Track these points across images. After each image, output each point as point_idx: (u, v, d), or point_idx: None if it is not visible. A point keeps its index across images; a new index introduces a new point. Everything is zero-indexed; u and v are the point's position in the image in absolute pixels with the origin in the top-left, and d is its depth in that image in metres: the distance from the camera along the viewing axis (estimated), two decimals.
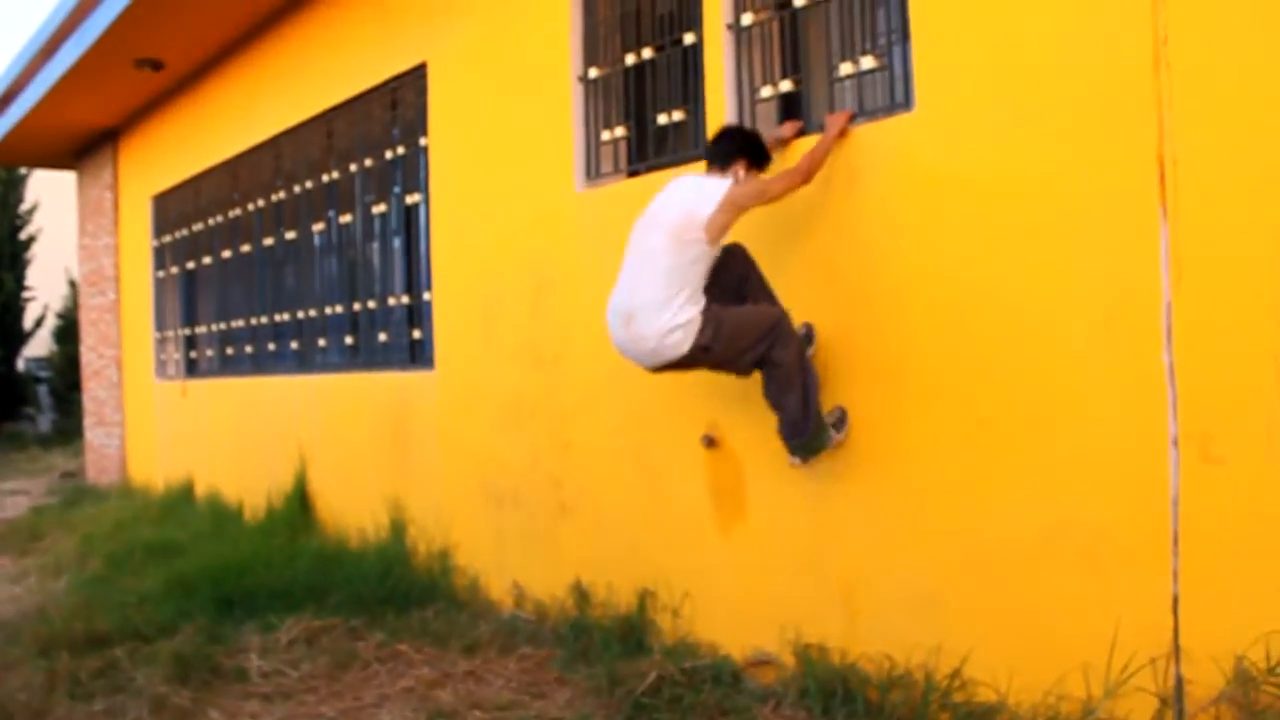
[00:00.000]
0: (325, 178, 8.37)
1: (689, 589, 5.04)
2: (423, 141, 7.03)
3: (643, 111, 5.41)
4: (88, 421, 13.96)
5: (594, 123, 5.64)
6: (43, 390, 22.35)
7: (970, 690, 3.87)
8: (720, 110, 4.86)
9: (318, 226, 8.57)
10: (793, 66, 4.82)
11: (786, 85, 4.75)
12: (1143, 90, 3.41)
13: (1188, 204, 3.33)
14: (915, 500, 4.10)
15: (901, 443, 4.15)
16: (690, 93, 5.11)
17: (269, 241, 9.40)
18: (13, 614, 6.91)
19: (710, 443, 4.87)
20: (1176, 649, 3.36)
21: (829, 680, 4.25)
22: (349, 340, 8.12)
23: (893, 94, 4.31)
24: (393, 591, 6.32)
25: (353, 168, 7.97)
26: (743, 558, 4.78)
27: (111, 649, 5.66)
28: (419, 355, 7.19)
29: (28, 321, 21.55)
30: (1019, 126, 3.76)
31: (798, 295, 4.45)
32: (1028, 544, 3.73)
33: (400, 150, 7.37)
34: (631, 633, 5.19)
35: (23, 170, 21.04)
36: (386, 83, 7.38)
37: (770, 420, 4.54)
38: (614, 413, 5.42)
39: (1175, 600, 3.36)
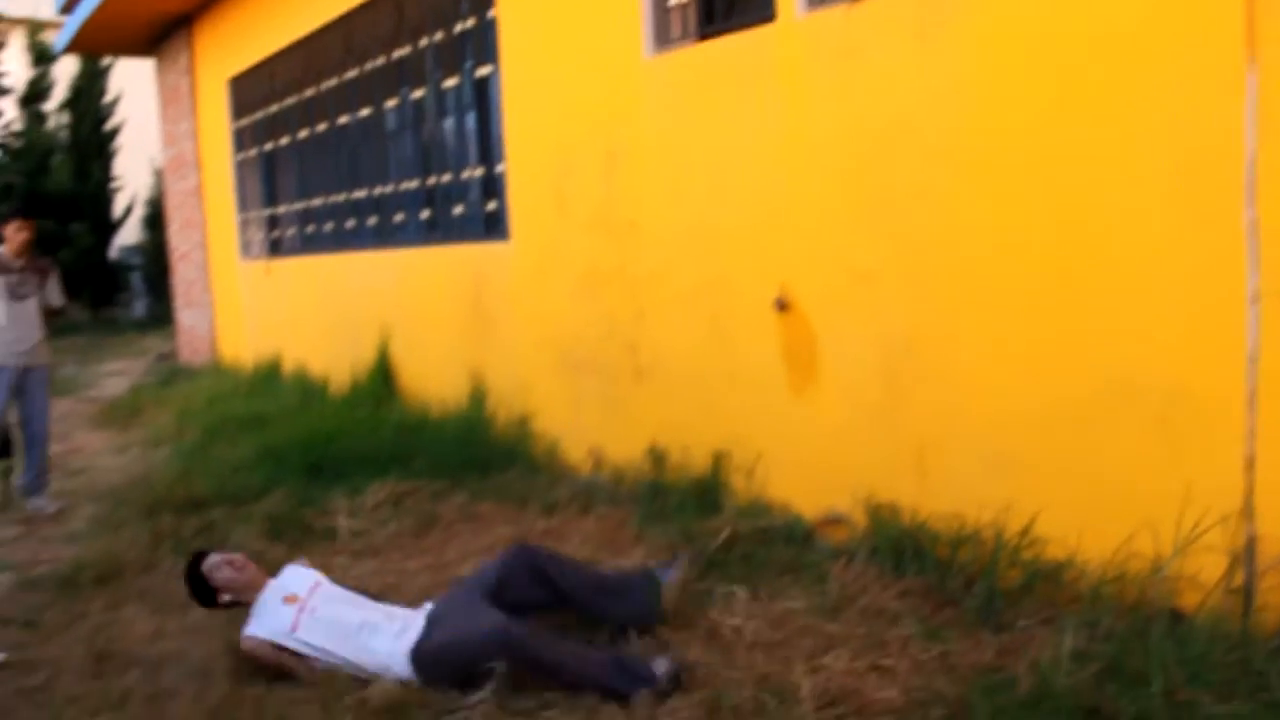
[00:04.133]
0: (396, 54, 8.31)
1: (762, 450, 5.07)
2: (491, 14, 6.95)
3: None
4: (178, 304, 14.26)
5: None
6: (135, 276, 22.84)
7: (1039, 548, 3.87)
8: None
9: (391, 103, 8.55)
10: None
11: None
12: None
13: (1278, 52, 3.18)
14: (987, 359, 4.05)
15: (972, 301, 4.09)
16: None
17: (344, 120, 9.40)
18: (120, 481, 7.22)
19: (782, 306, 4.85)
20: (1249, 508, 3.32)
21: (899, 538, 4.28)
22: (425, 214, 8.15)
23: None
24: (473, 457, 6.40)
25: (423, 42, 7.90)
26: (815, 419, 4.79)
27: (209, 511, 5.90)
28: (494, 227, 7.19)
29: (117, 210, 21.91)
30: None
31: (868, 148, 4.35)
32: (1100, 402, 3.69)
33: (469, 23, 7.30)
34: (706, 494, 5.26)
35: (105, 61, 21.18)
36: None
37: (843, 281, 4.50)
38: (687, 279, 5.41)
39: (1250, 460, 3.32)
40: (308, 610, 3.88)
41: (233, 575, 4.05)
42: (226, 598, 4.07)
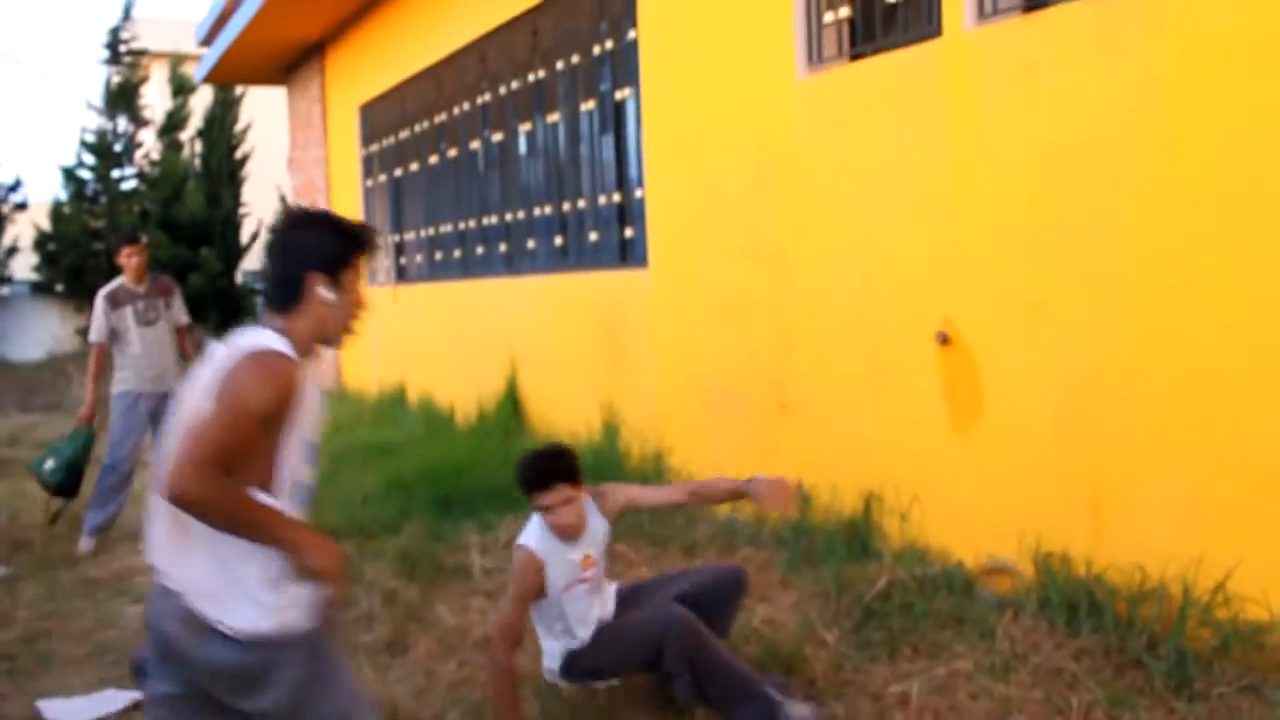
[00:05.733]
0: (531, 77, 8.35)
1: (918, 492, 4.87)
2: (631, 35, 6.93)
3: None
4: None
5: (816, 3, 5.41)
6: (260, 302, 23.45)
7: (1235, 606, 3.63)
8: None
9: (524, 127, 8.58)
10: None
11: None
12: None
13: None
14: (1175, 399, 3.81)
15: (1160, 336, 3.85)
16: None
17: (475, 145, 9.46)
18: None
19: (944, 340, 4.66)
20: None
21: (1072, 591, 4.06)
22: (558, 241, 8.14)
23: None
24: None
25: (559, 66, 7.92)
26: (978, 459, 4.58)
27: (339, 544, 5.82)
28: (630, 254, 7.15)
29: (244, 237, 22.54)
30: None
31: (1045, 167, 4.16)
32: None
33: (608, 45, 7.29)
34: (856, 536, 5.07)
35: (238, 91, 21.88)
36: None
37: (1013, 313, 4.31)
38: (840, 310, 5.25)
39: None
40: (591, 583, 3.75)
41: (572, 508, 3.64)
42: (548, 503, 3.63)
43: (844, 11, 5.27)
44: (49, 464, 6.79)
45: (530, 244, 8.57)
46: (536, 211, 8.44)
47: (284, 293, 2.53)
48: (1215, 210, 3.66)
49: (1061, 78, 4.14)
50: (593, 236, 7.60)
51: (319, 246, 2.54)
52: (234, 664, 2.45)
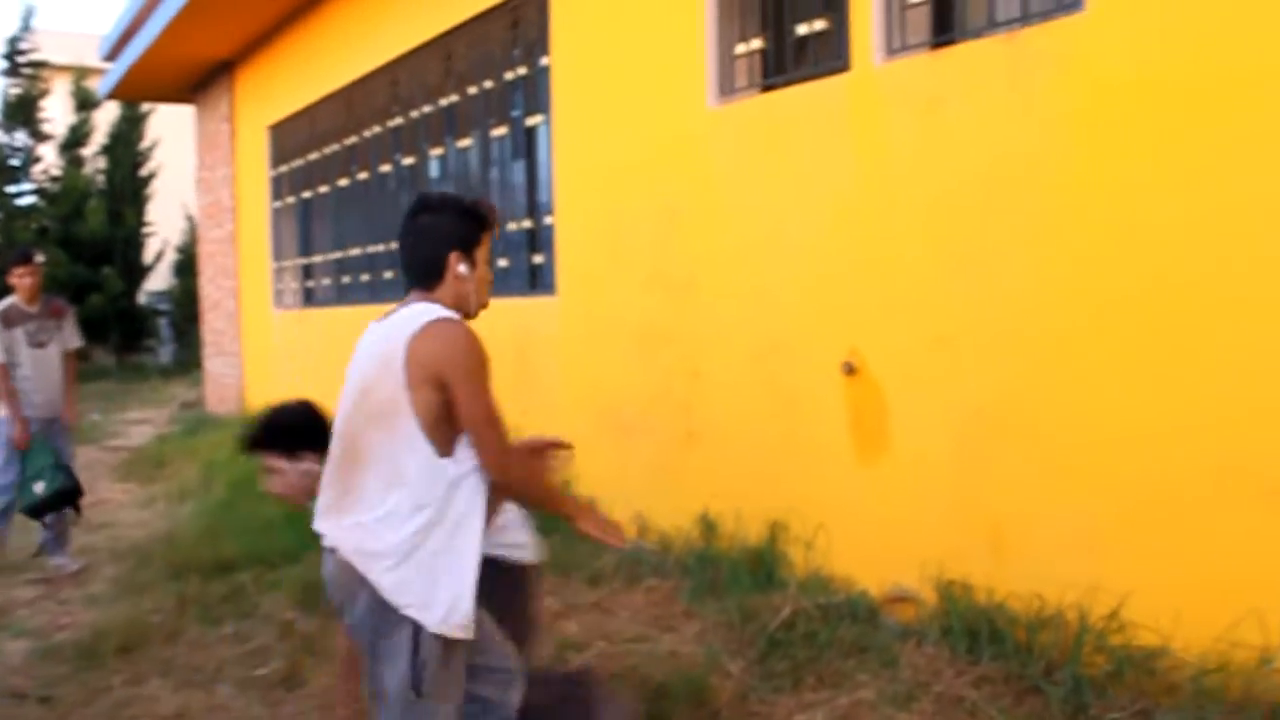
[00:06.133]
0: (443, 101, 8.32)
1: (823, 521, 4.89)
2: (544, 61, 6.92)
3: (780, 20, 5.22)
4: (206, 352, 14.26)
5: (728, 34, 5.45)
6: (163, 323, 22.99)
7: (1129, 633, 3.67)
8: (866, 18, 4.64)
9: (436, 151, 8.54)
10: None
11: None
12: None
13: None
14: (1077, 432, 3.87)
15: (1063, 370, 3.92)
16: None
17: (385, 168, 9.40)
18: (143, 538, 7.10)
19: (850, 370, 4.70)
20: None
21: (974, 619, 4.09)
22: None
23: None
24: None
25: (471, 90, 7.90)
26: (882, 490, 4.62)
27: (238, 574, 5.75)
28: (540, 281, 7.13)
29: (148, 256, 22.11)
30: (1209, 22, 3.46)
31: (951, 205, 4.24)
32: (1203, 480, 3.49)
33: (521, 71, 7.28)
34: (761, 565, 5.06)
35: (145, 108, 21.49)
36: (507, 1, 7.27)
37: (919, 345, 4.34)
38: (749, 339, 5.27)
39: None
40: None
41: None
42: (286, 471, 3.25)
43: (756, 43, 5.32)
44: (38, 486, 6.43)
45: None
46: None
47: (427, 272, 2.77)
48: (1115, 246, 3.73)
49: (969, 113, 4.20)
50: (502, 263, 7.56)
51: (454, 228, 2.77)
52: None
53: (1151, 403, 3.64)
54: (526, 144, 7.34)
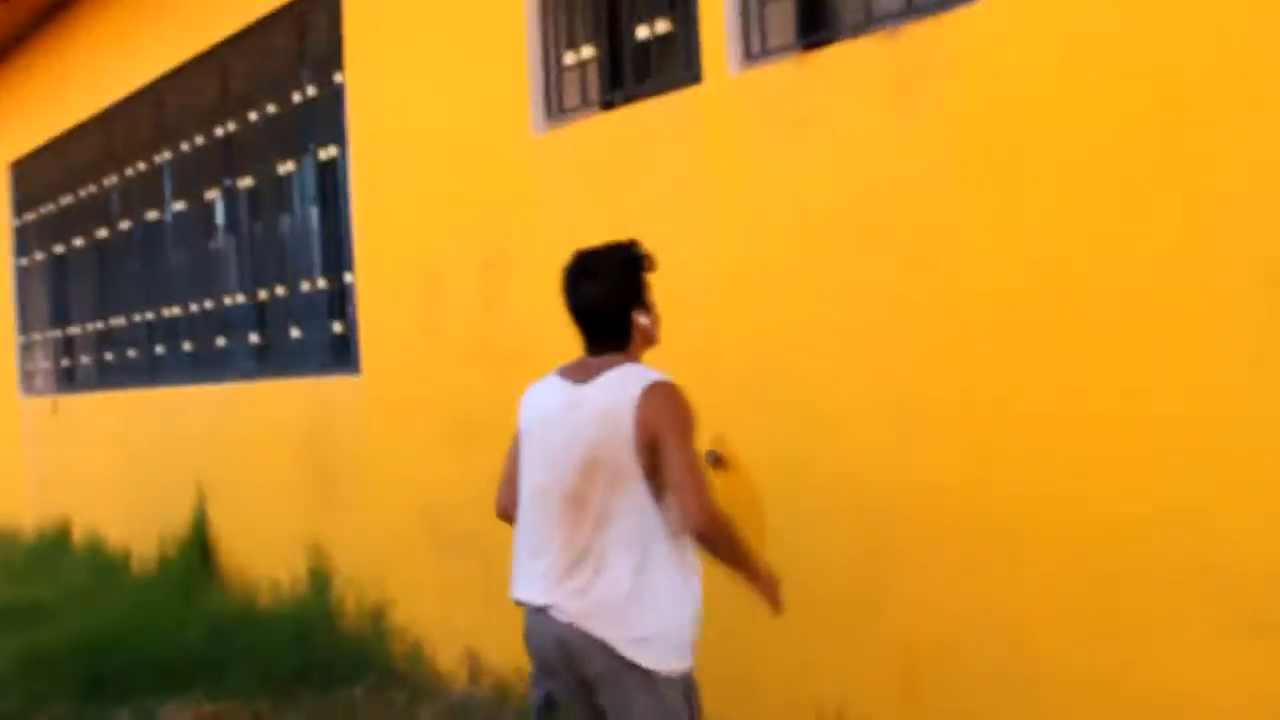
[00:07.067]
0: (219, 131, 8.26)
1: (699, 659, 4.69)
2: (338, 78, 6.88)
3: (616, 22, 5.20)
4: None
5: (554, 42, 5.41)
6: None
7: None
8: (718, 17, 4.58)
9: (211, 194, 8.48)
10: None
11: None
12: None
13: None
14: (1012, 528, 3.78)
15: (969, 460, 3.85)
16: None
17: (154, 215, 9.31)
18: None
19: (717, 460, 4.50)
20: None
21: None
22: (254, 339, 8.01)
23: None
24: (311, 663, 6.25)
25: (253, 117, 7.84)
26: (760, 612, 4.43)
27: None
28: (342, 355, 7.05)
29: None
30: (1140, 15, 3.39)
31: (827, 242, 4.19)
32: (1169, 593, 3.41)
33: (311, 91, 7.23)
34: None
35: None
36: (291, 5, 7.19)
37: (799, 426, 4.31)
38: None
39: None
40: None
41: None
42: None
43: (588, 51, 5.29)
44: None
45: (221, 342, 8.43)
46: (228, 301, 8.32)
47: (617, 339, 3.40)
48: (1030, 293, 3.66)
49: (849, 129, 4.15)
50: (295, 333, 7.48)
51: (624, 287, 3.39)
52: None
53: (1107, 488, 3.56)
54: (321, 182, 7.30)
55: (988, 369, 3.80)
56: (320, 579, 6.94)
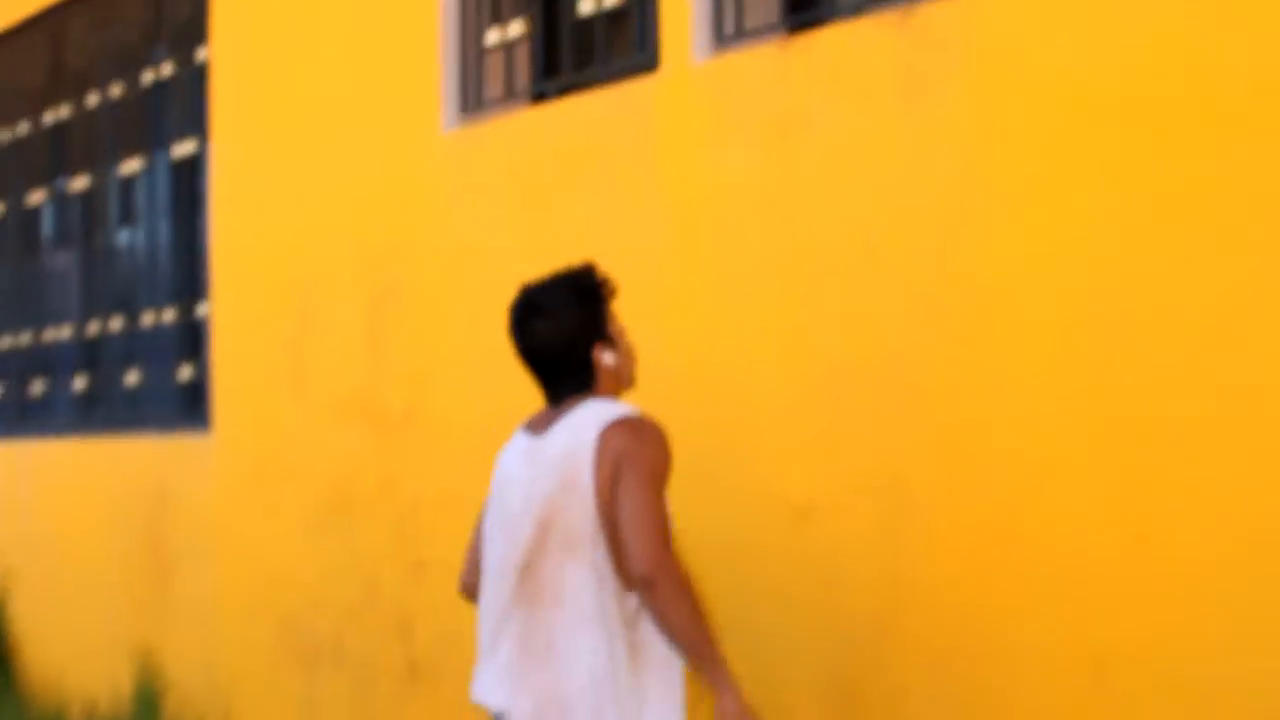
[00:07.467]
0: (49, 118, 8.30)
1: None
2: (201, 55, 6.92)
3: None
4: None
5: (474, 16, 5.46)
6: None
7: None
8: None
9: (36, 198, 8.51)
10: None
11: None
12: None
13: None
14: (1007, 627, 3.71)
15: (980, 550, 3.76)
16: None
17: None
18: None
19: None
20: None
21: None
22: (80, 384, 8.00)
23: None
24: None
25: (92, 101, 7.88)
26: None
27: None
28: (190, 408, 7.08)
29: None
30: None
31: (811, 275, 4.07)
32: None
33: (166, 71, 7.27)
34: None
35: None
36: None
37: (764, 510, 4.34)
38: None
39: None
40: None
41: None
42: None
43: (516, 28, 5.33)
44: None
45: (38, 387, 8.44)
46: (50, 336, 8.35)
47: (578, 381, 3.44)
48: (1061, 328, 3.61)
49: (839, 131, 4.15)
50: (133, 379, 7.47)
51: (580, 322, 3.43)
52: None
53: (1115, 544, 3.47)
54: (175, 187, 7.37)
55: (1017, 452, 3.72)
56: (148, 696, 6.93)
